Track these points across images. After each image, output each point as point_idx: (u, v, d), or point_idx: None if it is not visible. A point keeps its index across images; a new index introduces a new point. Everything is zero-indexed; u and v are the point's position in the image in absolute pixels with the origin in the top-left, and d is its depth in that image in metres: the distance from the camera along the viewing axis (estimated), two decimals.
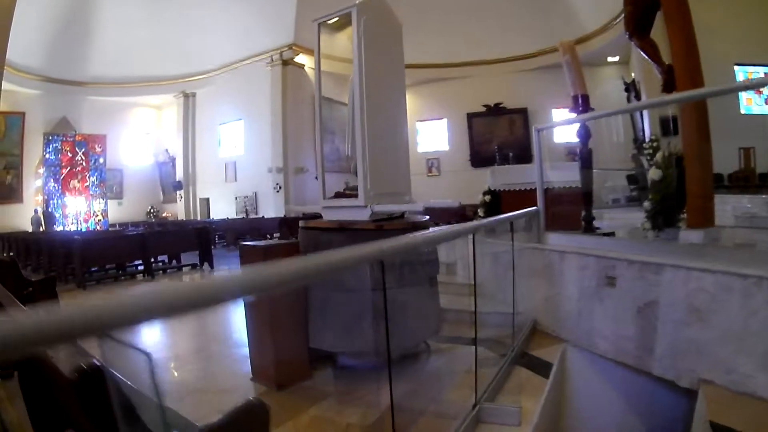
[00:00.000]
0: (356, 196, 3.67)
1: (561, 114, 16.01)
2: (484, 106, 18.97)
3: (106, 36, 18.06)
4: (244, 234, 13.74)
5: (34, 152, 18.21)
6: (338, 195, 3.97)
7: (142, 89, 20.58)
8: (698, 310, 2.87)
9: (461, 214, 9.56)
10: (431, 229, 3.14)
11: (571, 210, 5.29)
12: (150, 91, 20.79)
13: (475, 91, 18.78)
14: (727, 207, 6.10)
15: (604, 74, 15.94)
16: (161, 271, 9.91)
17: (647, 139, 9.45)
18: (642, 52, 5.27)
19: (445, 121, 19.93)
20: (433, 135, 20.12)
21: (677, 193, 4.13)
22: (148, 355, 0.85)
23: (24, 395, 1.71)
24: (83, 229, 18.22)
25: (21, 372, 1.74)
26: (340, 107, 4.48)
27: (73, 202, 19.10)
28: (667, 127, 9.66)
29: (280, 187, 16.94)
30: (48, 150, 18.44)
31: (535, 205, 4.96)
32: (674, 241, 3.94)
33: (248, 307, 3.62)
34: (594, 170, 5.43)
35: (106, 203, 20.01)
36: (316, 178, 4.10)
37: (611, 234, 4.80)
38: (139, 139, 22.18)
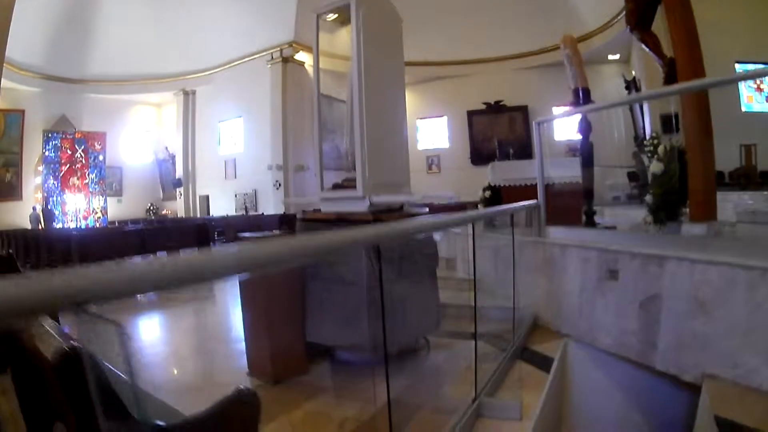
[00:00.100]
0: (354, 187, 3.63)
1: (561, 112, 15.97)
2: (485, 103, 18.92)
3: (106, 34, 18.01)
4: (244, 231, 13.66)
5: (33, 150, 18.16)
6: (336, 187, 3.92)
7: (142, 87, 20.50)
8: (702, 303, 2.82)
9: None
10: (429, 215, 3.10)
11: (572, 205, 5.25)
12: (150, 88, 20.71)
13: (475, 89, 18.73)
14: (728, 204, 6.07)
15: (605, 72, 15.89)
16: None
17: (648, 137, 9.40)
18: (644, 46, 5.24)
19: (445, 118, 19.87)
20: (433, 132, 20.06)
21: (680, 186, 4.09)
22: (120, 326, 0.80)
23: (16, 389, 1.68)
24: (82, 227, 18.17)
25: (14, 366, 1.71)
26: (341, 105, 4.45)
27: (73, 199, 19.04)
28: (668, 124, 9.61)
29: (280, 185, 16.89)
30: (47, 147, 18.38)
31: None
32: (677, 235, 3.90)
33: (244, 301, 3.59)
34: (595, 167, 5.40)
35: (105, 200, 19.95)
36: (316, 175, 4.06)
37: (613, 228, 4.76)
38: (139, 136, 22.12)
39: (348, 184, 3.79)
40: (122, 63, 19.01)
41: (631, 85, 13.30)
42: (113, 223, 18.97)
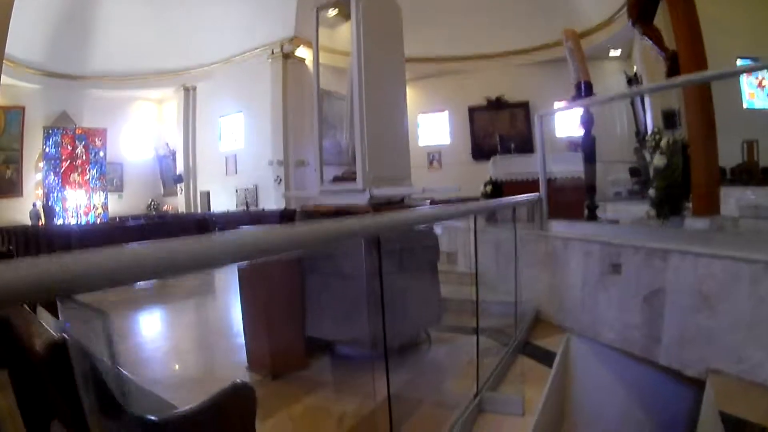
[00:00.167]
0: (354, 179, 3.60)
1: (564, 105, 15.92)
2: (486, 99, 18.87)
3: (106, 30, 17.94)
4: (245, 226, 13.65)
5: (34, 146, 18.12)
6: (337, 179, 3.90)
7: (143, 83, 20.43)
8: (707, 296, 2.79)
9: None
10: (430, 206, 3.07)
11: (574, 200, 5.22)
12: (150, 85, 20.65)
13: (476, 85, 18.66)
14: (731, 200, 6.03)
15: (607, 69, 15.84)
16: None
17: (650, 132, 9.36)
18: (646, 39, 5.19)
19: (446, 113, 19.81)
20: (434, 128, 20.01)
21: (682, 180, 4.06)
22: (106, 314, 0.77)
23: (13, 386, 1.66)
24: (83, 223, 18.16)
25: (10, 363, 1.69)
26: (341, 101, 4.43)
27: (73, 195, 19.02)
28: (670, 119, 9.58)
29: (280, 180, 16.86)
30: (48, 144, 18.34)
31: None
32: (680, 229, 3.86)
33: (244, 296, 3.56)
34: (597, 163, 5.36)
35: (106, 196, 19.92)
36: (316, 170, 4.03)
37: (615, 222, 4.73)
38: (140, 132, 22.07)
39: (348, 176, 3.76)
40: (123, 59, 18.93)
41: (633, 81, 13.26)
42: (114, 219, 18.91)
